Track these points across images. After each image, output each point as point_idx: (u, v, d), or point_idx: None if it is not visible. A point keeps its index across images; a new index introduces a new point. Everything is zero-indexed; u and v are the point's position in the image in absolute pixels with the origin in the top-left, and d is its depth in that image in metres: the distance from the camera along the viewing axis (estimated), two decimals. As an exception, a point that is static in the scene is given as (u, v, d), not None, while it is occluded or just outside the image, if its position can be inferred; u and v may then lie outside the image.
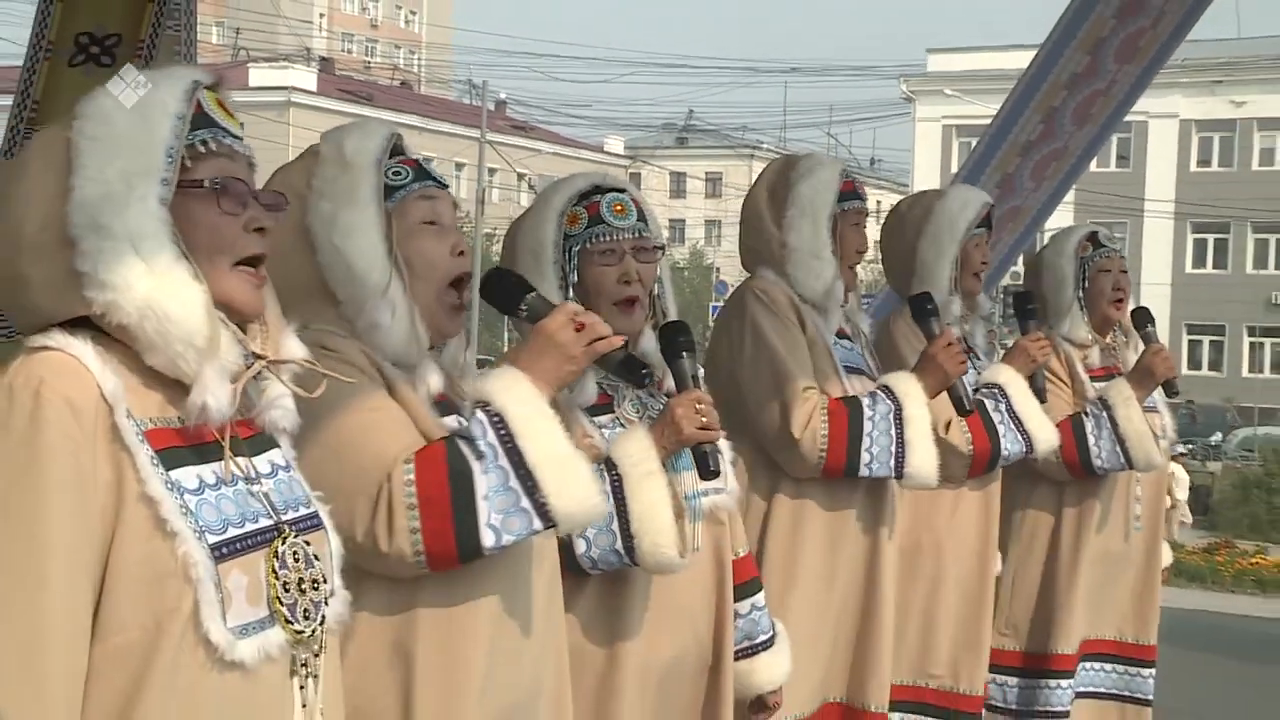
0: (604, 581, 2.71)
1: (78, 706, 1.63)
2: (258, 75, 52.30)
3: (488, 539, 2.11)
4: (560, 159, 47.53)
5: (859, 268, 3.78)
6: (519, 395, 2.19)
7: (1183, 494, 20.55)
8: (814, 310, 3.55)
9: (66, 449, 1.65)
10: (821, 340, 3.55)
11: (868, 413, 3.45)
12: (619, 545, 2.60)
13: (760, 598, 3.17)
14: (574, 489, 2.18)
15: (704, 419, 2.68)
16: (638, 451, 2.62)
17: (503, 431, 2.15)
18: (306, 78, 54.58)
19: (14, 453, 1.64)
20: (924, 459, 3.50)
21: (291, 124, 46.50)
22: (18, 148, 8.18)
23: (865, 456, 3.43)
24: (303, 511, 1.88)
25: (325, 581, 1.88)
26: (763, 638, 3.14)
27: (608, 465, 2.61)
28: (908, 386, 3.53)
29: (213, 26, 59.12)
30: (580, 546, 2.60)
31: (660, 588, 2.78)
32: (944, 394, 3.83)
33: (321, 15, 72.80)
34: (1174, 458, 23.98)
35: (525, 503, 2.13)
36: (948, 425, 3.89)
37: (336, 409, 2.12)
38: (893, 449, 3.46)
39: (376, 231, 2.27)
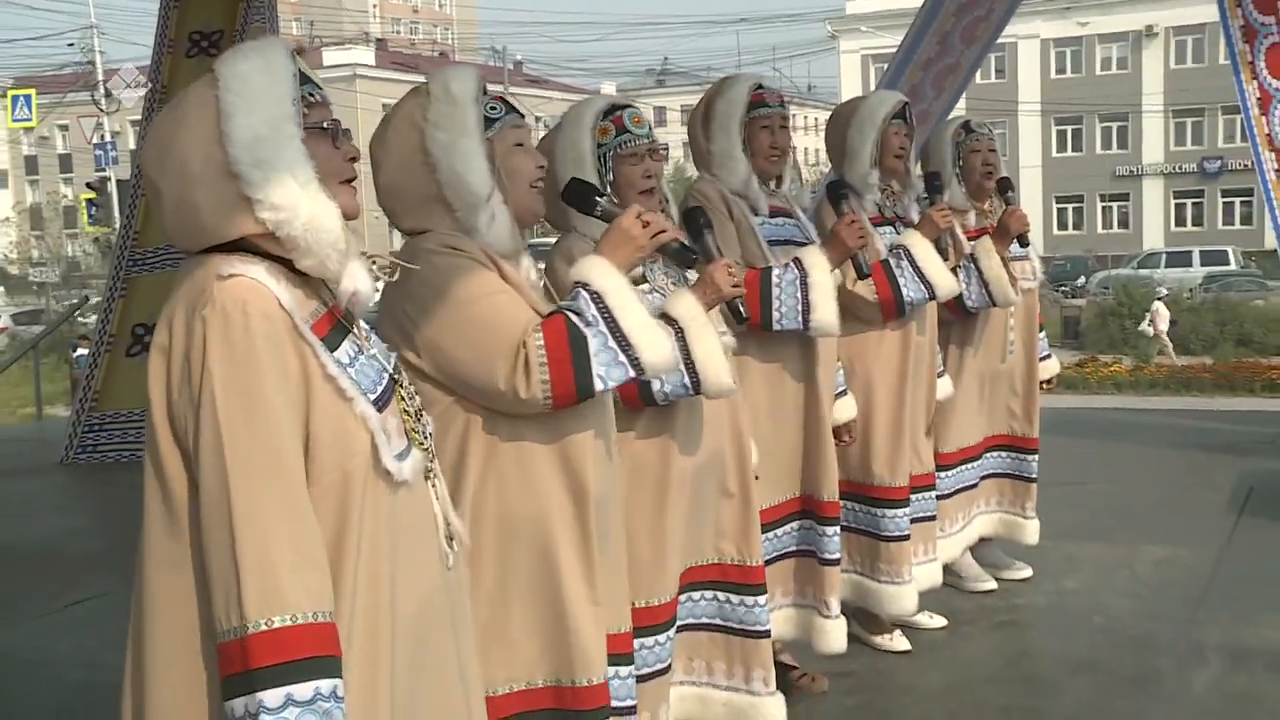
0: (655, 408, 2.77)
1: (319, 532, 1.69)
2: (329, 56, 51.56)
3: (598, 385, 2.22)
4: (567, 104, 45.88)
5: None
6: (610, 277, 2.28)
7: (1164, 325, 20.27)
8: (739, 199, 3.48)
9: (270, 348, 1.68)
10: (747, 222, 3.47)
11: (775, 279, 3.36)
12: (686, 380, 2.66)
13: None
14: (657, 346, 2.27)
15: (735, 278, 2.73)
16: (690, 308, 2.65)
17: (601, 305, 2.24)
18: (366, 55, 53.82)
19: (238, 354, 1.66)
20: (825, 314, 3.37)
21: (358, 92, 46.11)
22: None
23: (776, 315, 3.36)
24: (394, 365, 1.93)
25: (424, 411, 1.96)
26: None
27: (667, 320, 2.63)
28: (814, 258, 3.41)
29: (292, 21, 58.14)
30: (655, 385, 2.66)
31: (694, 408, 2.83)
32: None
33: (374, 5, 71.68)
34: (1159, 299, 23.01)
35: (622, 358, 2.23)
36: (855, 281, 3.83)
37: (467, 292, 2.22)
38: (799, 307, 3.36)
39: (482, 156, 2.30)
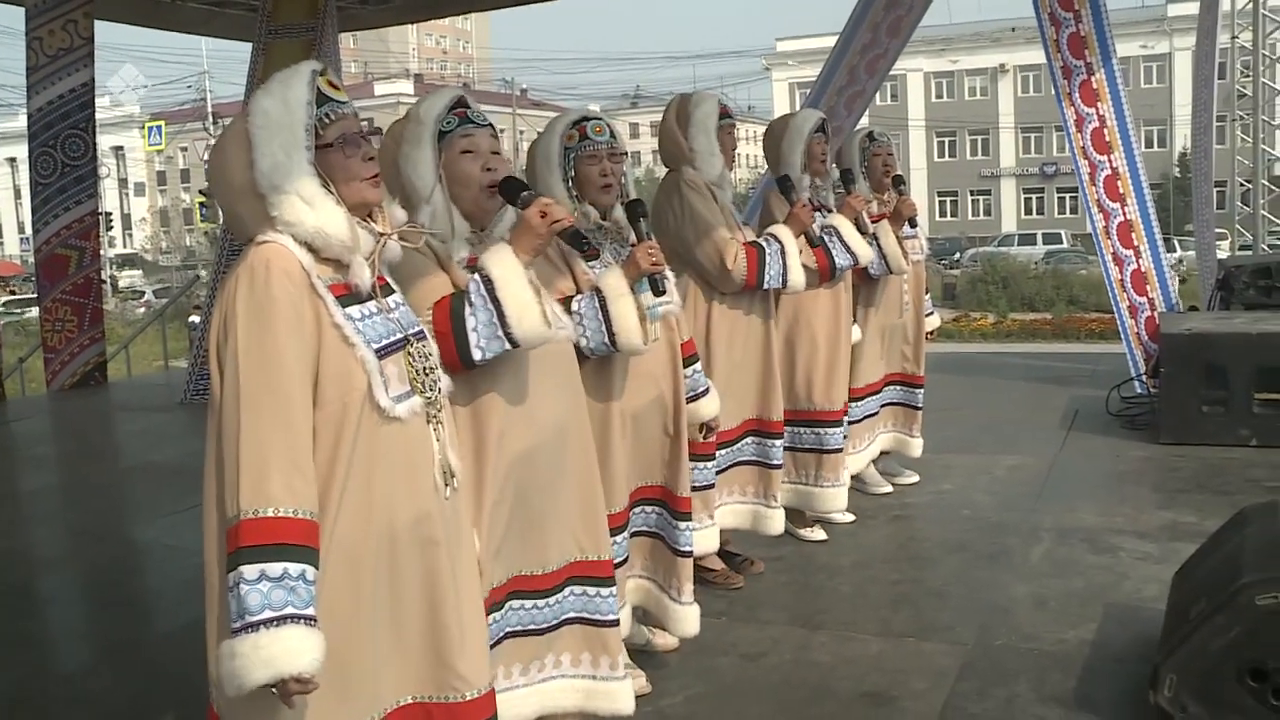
0: (597, 362, 2.59)
1: (310, 447, 1.66)
2: (378, 88, 50.98)
3: (476, 355, 2.02)
4: (565, 124, 46.82)
5: (744, 169, 3.61)
6: (503, 261, 2.05)
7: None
8: (715, 188, 3.42)
9: (286, 298, 1.65)
10: (726, 207, 3.43)
11: (768, 250, 3.36)
12: (605, 340, 2.47)
13: (697, 365, 3.06)
14: (529, 323, 2.02)
15: (654, 258, 2.54)
16: (613, 281, 2.48)
17: (489, 286, 2.03)
18: (407, 86, 52.95)
19: (259, 301, 1.64)
20: (797, 275, 3.41)
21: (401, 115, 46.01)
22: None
23: (767, 277, 3.35)
24: (417, 329, 1.86)
25: (436, 368, 1.86)
26: (701, 389, 3.04)
27: (596, 291, 2.48)
28: (786, 234, 3.42)
29: (350, 63, 57.25)
30: (582, 343, 2.46)
31: (634, 363, 2.69)
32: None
33: (414, 48, 70.70)
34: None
35: (499, 332, 2.02)
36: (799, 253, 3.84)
37: (413, 277, 2.06)
38: (781, 271, 3.37)
39: (429, 164, 2.13)
